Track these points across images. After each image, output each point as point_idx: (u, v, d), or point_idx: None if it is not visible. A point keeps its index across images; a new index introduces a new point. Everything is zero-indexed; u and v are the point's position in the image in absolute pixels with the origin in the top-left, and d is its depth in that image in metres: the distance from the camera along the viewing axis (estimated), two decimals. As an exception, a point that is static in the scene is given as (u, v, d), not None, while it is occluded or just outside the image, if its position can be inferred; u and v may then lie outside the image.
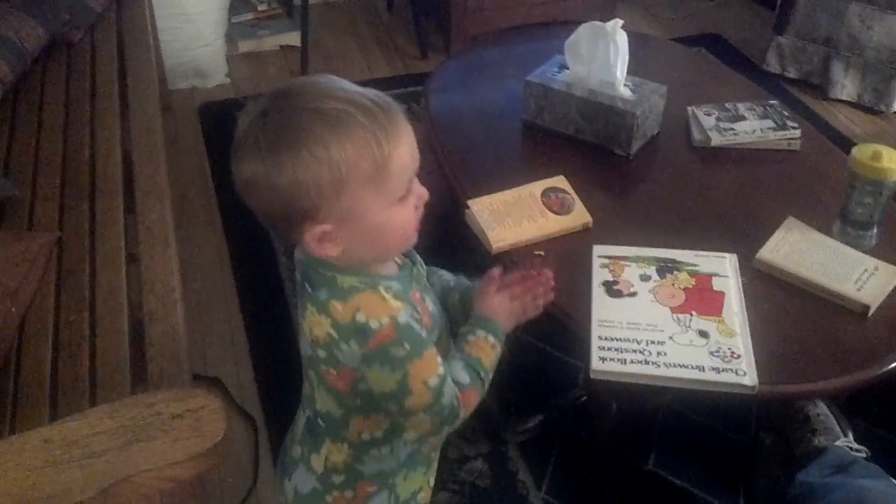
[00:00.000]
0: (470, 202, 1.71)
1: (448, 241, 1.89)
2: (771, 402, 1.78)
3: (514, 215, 1.67)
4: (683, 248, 1.58)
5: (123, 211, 1.77)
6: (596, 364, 1.36)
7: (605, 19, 1.89)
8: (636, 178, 1.90)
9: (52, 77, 2.30)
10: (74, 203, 1.80)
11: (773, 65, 3.30)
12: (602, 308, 1.46)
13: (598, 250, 1.58)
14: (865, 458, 1.63)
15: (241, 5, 3.59)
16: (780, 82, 3.27)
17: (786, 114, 1.99)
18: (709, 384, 1.33)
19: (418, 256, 1.18)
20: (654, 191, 1.87)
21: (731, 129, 1.94)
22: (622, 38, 1.87)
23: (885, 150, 1.55)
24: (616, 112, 1.86)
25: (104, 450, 1.08)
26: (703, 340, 1.39)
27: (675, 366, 1.35)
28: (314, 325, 1.05)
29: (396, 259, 1.14)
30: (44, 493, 1.04)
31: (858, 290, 1.50)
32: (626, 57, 1.89)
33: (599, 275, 1.53)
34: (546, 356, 2.09)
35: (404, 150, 1.00)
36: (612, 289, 1.50)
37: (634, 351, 1.38)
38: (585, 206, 1.70)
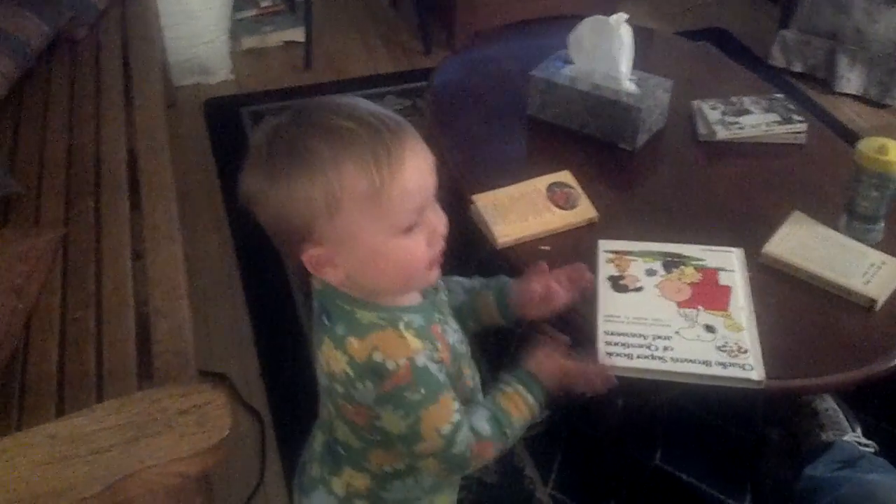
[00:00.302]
0: (475, 197, 1.70)
1: (453, 237, 1.89)
2: (778, 396, 1.78)
3: (519, 210, 1.67)
4: (689, 242, 1.57)
5: (129, 207, 1.78)
6: (602, 359, 1.36)
7: (609, 13, 1.88)
8: (641, 173, 1.90)
9: (57, 74, 2.30)
10: (80, 200, 1.81)
11: (778, 59, 3.29)
12: (608, 303, 1.46)
13: (604, 245, 1.58)
14: (873, 453, 1.63)
15: (245, 2, 3.59)
16: (785, 76, 3.26)
17: (791, 108, 1.98)
18: (715, 379, 1.33)
19: (441, 282, 1.14)
20: (660, 185, 1.87)
21: (737, 123, 1.93)
22: (626, 33, 1.87)
23: (891, 144, 1.55)
24: (621, 106, 1.86)
25: (110, 445, 1.08)
26: (710, 335, 1.39)
27: (681, 360, 1.35)
28: (331, 360, 1.01)
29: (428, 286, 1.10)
30: (50, 488, 1.04)
31: (865, 283, 1.50)
32: (631, 51, 1.88)
33: (605, 269, 1.53)
34: (552, 351, 2.08)
35: (409, 175, 0.93)
36: (618, 283, 1.50)
37: (641, 346, 1.37)
38: (591, 200, 1.70)
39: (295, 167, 0.91)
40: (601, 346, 1.38)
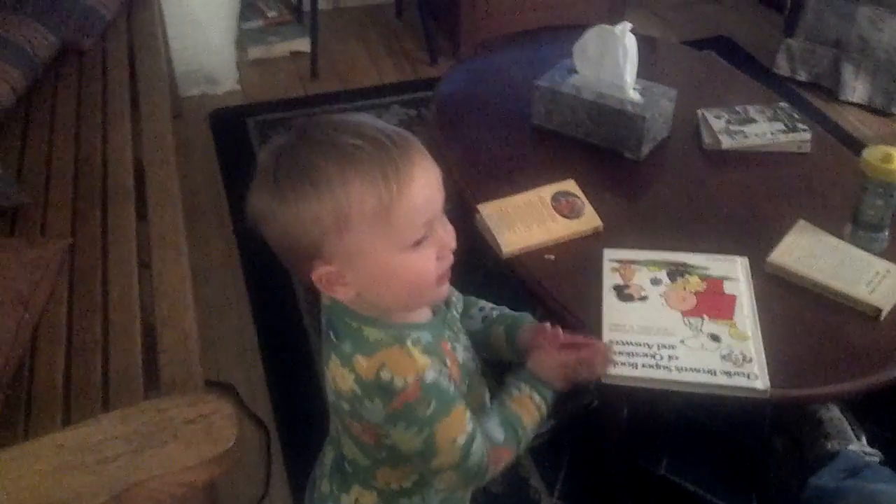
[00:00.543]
0: (480, 206, 1.71)
1: (459, 246, 1.89)
2: (783, 405, 1.77)
3: (524, 219, 1.67)
4: (694, 251, 1.58)
5: (135, 217, 1.78)
6: (607, 368, 1.36)
7: (613, 23, 1.89)
8: (646, 182, 1.90)
9: (64, 84, 2.31)
10: (86, 210, 1.81)
11: (782, 67, 3.29)
12: (613, 312, 1.46)
13: (609, 254, 1.58)
14: (878, 463, 1.62)
15: (251, 12, 3.60)
16: (790, 85, 3.26)
17: (796, 116, 1.98)
18: (720, 388, 1.33)
19: (453, 298, 1.14)
20: (665, 194, 1.87)
21: (741, 131, 1.94)
22: (631, 42, 1.87)
23: (895, 152, 1.55)
24: (625, 115, 1.86)
25: (117, 455, 1.08)
26: (715, 344, 1.39)
27: (686, 370, 1.35)
28: (338, 377, 1.01)
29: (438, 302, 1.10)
30: (57, 498, 1.04)
31: (870, 292, 1.50)
32: (636, 60, 1.89)
33: (610, 279, 1.53)
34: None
35: (417, 190, 0.93)
36: (622, 293, 1.50)
37: (645, 355, 1.37)
38: (595, 209, 1.70)
39: (302, 186, 0.91)
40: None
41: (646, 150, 1.90)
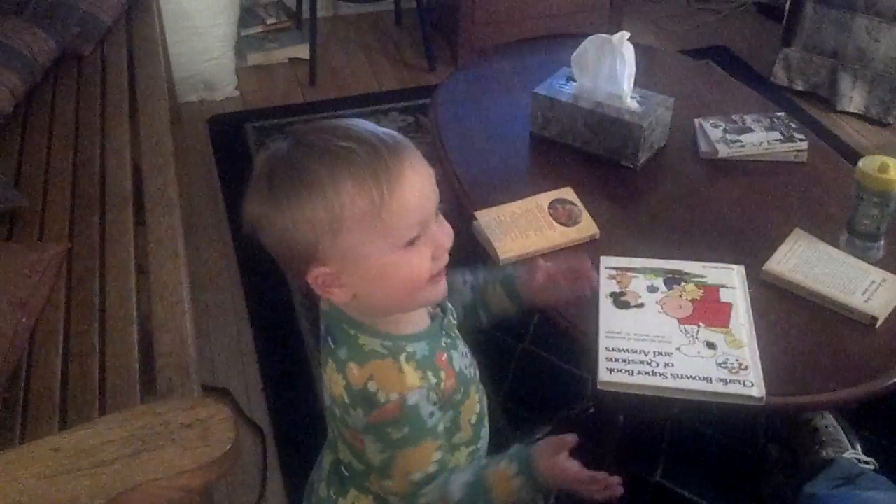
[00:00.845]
0: (477, 213, 1.71)
1: (456, 253, 1.90)
2: (779, 413, 1.78)
3: (521, 227, 1.68)
4: (691, 259, 1.58)
5: (133, 222, 1.79)
6: (603, 375, 1.36)
7: (612, 32, 1.90)
8: (643, 190, 1.90)
9: (63, 89, 2.32)
10: (84, 214, 1.82)
11: (780, 77, 3.30)
12: (609, 319, 1.46)
13: (606, 261, 1.59)
14: (873, 471, 1.63)
15: (251, 18, 3.61)
16: (787, 94, 3.27)
17: (793, 126, 1.99)
18: (716, 395, 1.33)
19: (449, 304, 1.14)
20: (662, 202, 1.87)
21: (738, 140, 1.94)
22: (629, 51, 1.88)
23: (891, 162, 1.55)
24: (623, 124, 1.87)
25: (113, 459, 1.08)
26: (711, 352, 1.39)
27: (682, 377, 1.35)
28: (332, 382, 1.02)
29: (428, 307, 1.10)
30: (53, 501, 1.04)
31: (866, 301, 1.50)
32: (633, 69, 1.90)
33: (607, 286, 1.53)
34: (554, 368, 2.09)
35: (409, 190, 0.94)
36: (619, 300, 1.50)
37: (642, 362, 1.38)
38: (593, 217, 1.71)
39: (295, 190, 0.92)
40: (602, 363, 1.38)
41: (643, 158, 1.90)
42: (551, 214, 1.71)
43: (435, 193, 0.98)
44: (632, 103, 1.89)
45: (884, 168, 1.55)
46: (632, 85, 1.91)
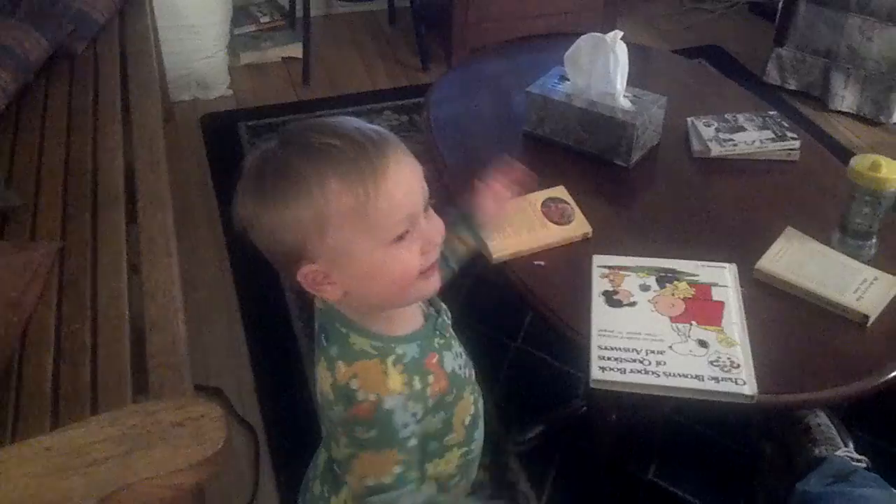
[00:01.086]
0: (470, 212, 1.71)
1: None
2: (771, 411, 1.78)
3: (514, 225, 1.68)
4: (683, 258, 1.58)
5: (125, 221, 1.78)
6: (596, 374, 1.36)
7: (605, 31, 1.90)
8: (636, 189, 1.91)
9: (55, 88, 2.31)
10: (77, 213, 1.81)
11: (773, 76, 3.31)
12: (602, 318, 1.47)
13: (598, 260, 1.59)
14: (866, 468, 1.63)
15: (244, 17, 3.61)
16: (780, 94, 3.28)
17: (785, 125, 1.99)
18: (708, 394, 1.34)
19: (443, 304, 1.14)
20: (654, 201, 1.88)
21: (731, 139, 1.95)
22: (622, 50, 1.88)
23: (883, 161, 1.56)
24: (616, 123, 1.87)
25: (105, 458, 1.08)
26: (703, 350, 1.39)
27: (674, 375, 1.35)
28: (322, 379, 1.03)
29: (422, 306, 1.10)
30: (45, 500, 1.04)
31: (858, 299, 1.50)
32: (626, 68, 1.90)
33: (599, 284, 1.53)
34: (546, 366, 2.09)
35: (395, 185, 0.94)
36: (612, 298, 1.50)
37: (634, 360, 1.38)
38: (585, 216, 1.71)
39: (282, 189, 0.92)
40: (595, 361, 1.38)
41: (636, 157, 1.90)
42: (544, 213, 1.71)
43: (423, 188, 0.99)
44: (625, 102, 1.90)
45: (876, 167, 1.55)
46: (625, 84, 1.91)
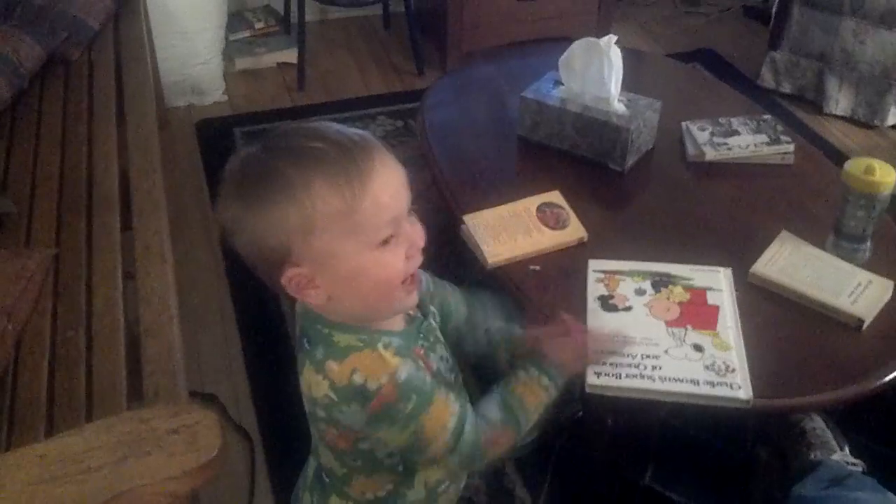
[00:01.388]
0: (465, 217, 1.71)
1: (444, 256, 1.90)
2: (766, 415, 1.78)
3: (509, 230, 1.68)
4: (678, 262, 1.58)
5: (120, 227, 1.78)
6: (591, 378, 1.36)
7: (599, 35, 1.90)
8: (631, 193, 1.91)
9: (50, 94, 2.31)
10: (71, 219, 1.81)
11: (767, 80, 3.31)
12: (597, 322, 1.47)
13: (594, 265, 1.59)
14: (861, 472, 1.63)
15: (239, 23, 3.61)
16: (774, 97, 3.28)
17: (779, 128, 2.00)
18: (704, 398, 1.34)
19: (432, 308, 1.14)
20: (649, 205, 1.88)
21: (725, 143, 1.95)
22: (616, 54, 1.89)
23: (877, 164, 1.56)
24: (610, 127, 1.87)
25: (100, 465, 1.07)
26: (698, 354, 1.39)
27: (670, 380, 1.35)
28: (312, 385, 1.01)
29: (409, 310, 1.10)
30: (39, 508, 1.04)
31: (852, 303, 1.51)
32: (621, 73, 1.90)
33: (595, 289, 1.54)
34: (542, 371, 2.09)
35: (381, 189, 0.93)
36: (607, 303, 1.51)
37: (629, 365, 1.38)
38: (580, 220, 1.71)
39: (265, 192, 0.92)
40: (590, 366, 1.38)
41: (630, 161, 1.91)
42: (539, 218, 1.71)
43: (406, 192, 0.98)
44: (619, 106, 1.90)
45: (870, 170, 1.55)
46: (619, 88, 1.91)
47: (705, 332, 1.44)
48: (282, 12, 3.71)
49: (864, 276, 1.57)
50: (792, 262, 1.59)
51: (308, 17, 3.40)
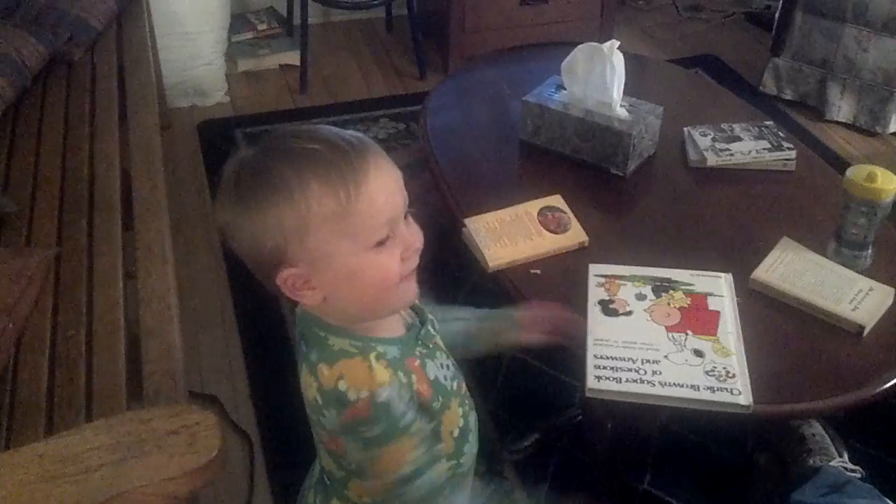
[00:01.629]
0: (467, 220, 1.71)
1: (445, 260, 1.90)
2: (766, 421, 1.78)
3: (510, 234, 1.68)
4: (679, 267, 1.58)
5: (121, 228, 1.78)
6: (591, 383, 1.36)
7: (602, 40, 1.90)
8: (632, 198, 1.91)
9: (53, 94, 2.31)
10: (73, 219, 1.81)
11: (769, 86, 3.32)
12: (598, 327, 1.46)
13: (595, 269, 1.59)
14: (860, 479, 1.63)
15: (241, 24, 3.61)
16: (776, 104, 3.28)
17: (781, 135, 2.00)
18: (704, 403, 1.34)
19: (429, 315, 1.13)
20: (650, 210, 1.88)
21: (727, 149, 1.95)
22: (619, 59, 1.89)
23: (879, 171, 1.56)
24: (612, 132, 1.87)
25: (99, 465, 1.08)
26: (699, 360, 1.39)
27: (670, 385, 1.35)
28: (306, 387, 1.02)
29: (405, 316, 1.10)
30: (38, 508, 1.04)
31: (853, 310, 1.50)
32: (623, 78, 1.90)
33: (595, 293, 1.53)
34: (542, 375, 2.09)
35: (376, 190, 0.93)
36: (608, 307, 1.50)
37: (630, 370, 1.37)
38: (582, 225, 1.71)
39: (262, 193, 0.92)
40: (590, 370, 1.38)
41: (632, 166, 1.91)
42: (540, 222, 1.71)
43: (403, 194, 0.98)
44: (621, 111, 1.90)
45: (871, 177, 1.55)
46: (621, 93, 1.91)
47: (706, 337, 1.43)
48: (284, 14, 3.72)
49: (865, 282, 1.56)
50: (793, 269, 1.59)
51: (311, 20, 3.40)
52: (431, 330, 1.13)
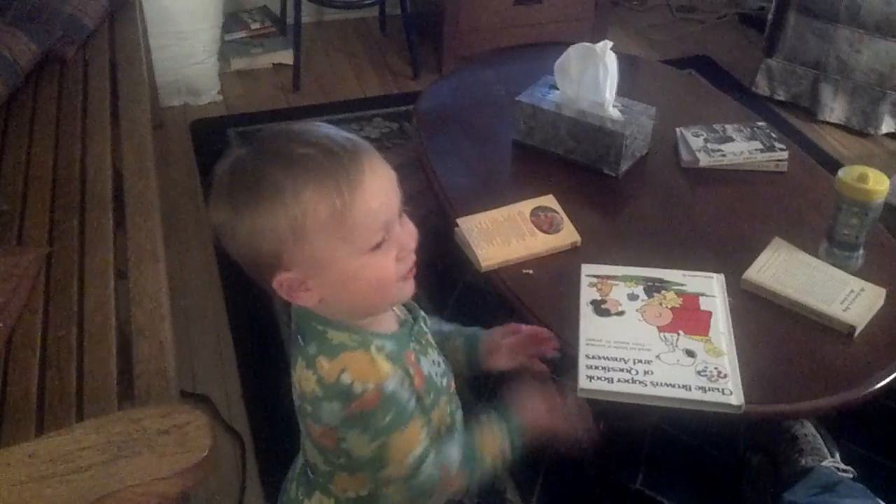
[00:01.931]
0: (459, 220, 1.71)
1: (438, 260, 1.90)
2: (758, 421, 1.78)
3: (503, 234, 1.68)
4: (671, 267, 1.59)
5: (113, 227, 1.77)
6: (583, 383, 1.36)
7: (595, 41, 1.91)
8: (625, 198, 1.91)
9: (45, 93, 2.30)
10: (64, 218, 1.80)
11: (762, 87, 3.32)
12: (590, 327, 1.47)
13: (587, 269, 1.59)
14: (852, 479, 1.63)
15: (235, 23, 3.60)
16: (769, 104, 3.29)
17: (773, 135, 2.00)
18: (695, 403, 1.34)
19: (422, 312, 1.14)
20: (643, 211, 1.88)
21: (720, 150, 1.95)
22: (612, 60, 1.89)
23: (870, 172, 1.57)
24: (605, 132, 1.87)
25: (90, 465, 1.07)
26: (690, 360, 1.39)
27: (661, 385, 1.35)
28: (302, 379, 1.02)
29: (398, 312, 1.10)
30: (28, 508, 1.03)
31: (845, 310, 1.51)
32: (616, 78, 1.90)
33: (587, 294, 1.54)
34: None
35: (372, 195, 0.93)
36: (600, 307, 1.51)
37: (622, 370, 1.38)
38: (574, 225, 1.71)
39: (256, 198, 0.92)
40: (582, 370, 1.38)
41: (625, 166, 1.91)
42: (533, 222, 1.71)
43: (397, 195, 0.98)
44: (614, 112, 1.90)
45: (863, 178, 1.56)
46: (614, 94, 1.91)
47: (697, 337, 1.44)
48: (278, 13, 3.72)
49: (856, 283, 1.57)
50: (785, 269, 1.60)
51: (304, 19, 3.40)
52: (423, 326, 1.13)
